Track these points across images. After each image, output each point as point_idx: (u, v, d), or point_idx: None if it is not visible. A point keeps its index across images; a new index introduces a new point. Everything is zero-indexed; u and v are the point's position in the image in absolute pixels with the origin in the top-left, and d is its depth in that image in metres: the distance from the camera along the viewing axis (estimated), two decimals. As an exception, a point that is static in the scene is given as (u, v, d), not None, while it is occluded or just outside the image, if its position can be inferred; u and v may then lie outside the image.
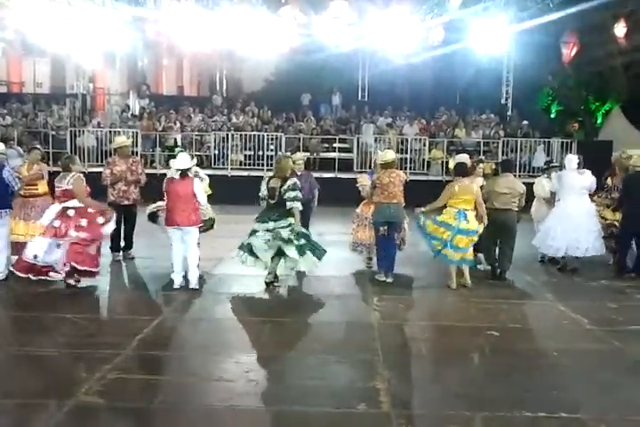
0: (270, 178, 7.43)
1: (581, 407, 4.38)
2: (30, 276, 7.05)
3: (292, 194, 7.19)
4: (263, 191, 7.40)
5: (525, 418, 4.22)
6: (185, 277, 7.26)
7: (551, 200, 8.73)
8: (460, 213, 7.37)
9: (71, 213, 6.98)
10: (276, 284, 7.50)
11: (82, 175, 7.31)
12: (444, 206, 7.55)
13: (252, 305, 6.85)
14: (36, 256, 6.94)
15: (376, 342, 5.60)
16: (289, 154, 8.91)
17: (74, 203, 7.06)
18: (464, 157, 8.14)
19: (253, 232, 7.39)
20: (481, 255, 8.81)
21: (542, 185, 9.08)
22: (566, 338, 5.97)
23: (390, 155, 8.05)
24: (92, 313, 6.55)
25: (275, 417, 4.24)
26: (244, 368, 4.92)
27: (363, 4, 16.98)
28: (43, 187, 8.01)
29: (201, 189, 7.29)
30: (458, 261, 7.54)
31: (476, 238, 7.55)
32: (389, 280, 7.78)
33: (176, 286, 7.22)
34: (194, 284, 7.20)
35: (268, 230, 7.24)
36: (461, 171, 7.68)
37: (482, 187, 8.44)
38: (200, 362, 5.12)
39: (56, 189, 7.20)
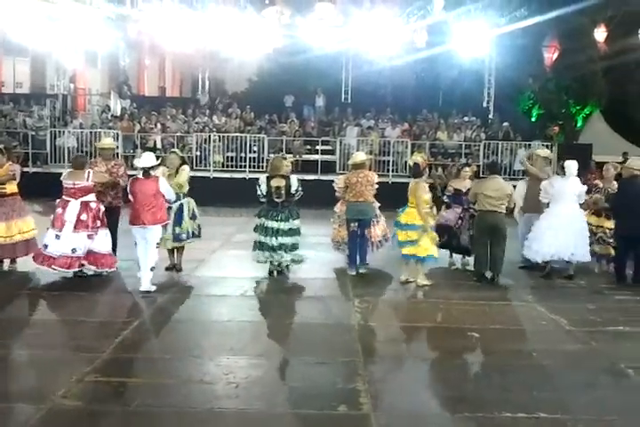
0: (269, 178, 7.77)
1: (560, 408, 4.40)
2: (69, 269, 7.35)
3: (299, 188, 7.83)
4: (263, 190, 7.78)
5: (505, 418, 4.24)
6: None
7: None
8: (401, 209, 7.84)
9: (93, 205, 7.43)
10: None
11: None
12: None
13: (233, 307, 6.82)
14: (75, 250, 7.25)
15: (357, 344, 5.59)
16: (285, 155, 9.10)
17: (90, 197, 7.43)
18: (417, 159, 8.23)
19: (266, 229, 7.74)
20: (457, 256, 8.88)
21: (524, 188, 9.05)
22: (545, 339, 6.00)
23: (360, 157, 8.49)
24: (70, 315, 6.47)
25: (255, 420, 4.21)
26: (225, 371, 4.89)
27: (347, 7, 17.05)
28: (11, 187, 7.93)
29: (167, 186, 7.30)
30: (409, 256, 7.67)
31: (412, 234, 7.58)
32: (362, 271, 8.12)
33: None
34: (145, 286, 7.07)
35: (285, 231, 7.71)
36: (413, 171, 8.04)
37: (470, 190, 8.52)
38: (180, 364, 5.08)
39: (66, 186, 7.40)
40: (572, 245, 8.06)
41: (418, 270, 7.73)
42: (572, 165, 8.26)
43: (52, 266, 7.28)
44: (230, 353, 5.28)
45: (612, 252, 8.53)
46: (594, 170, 11.98)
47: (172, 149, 9.70)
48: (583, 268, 8.47)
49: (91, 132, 17.27)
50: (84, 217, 7.31)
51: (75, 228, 7.27)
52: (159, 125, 18.08)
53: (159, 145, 17.36)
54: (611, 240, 8.52)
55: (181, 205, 7.88)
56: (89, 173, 7.50)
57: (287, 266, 7.99)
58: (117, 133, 16.94)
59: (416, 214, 7.59)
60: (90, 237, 7.34)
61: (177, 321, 6.31)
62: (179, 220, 7.85)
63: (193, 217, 8.04)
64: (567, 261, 8.24)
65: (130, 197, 7.28)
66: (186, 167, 8.08)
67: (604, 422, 4.28)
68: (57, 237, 7.29)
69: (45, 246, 7.35)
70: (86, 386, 4.58)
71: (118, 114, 19.70)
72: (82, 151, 16.85)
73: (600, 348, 5.74)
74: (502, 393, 4.66)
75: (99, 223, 7.45)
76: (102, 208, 7.60)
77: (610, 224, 8.59)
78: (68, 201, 7.39)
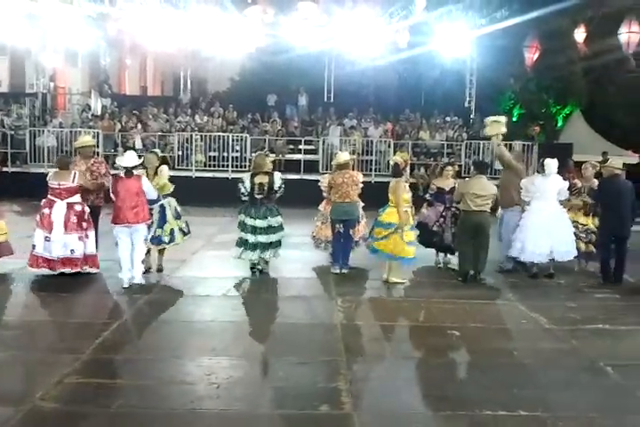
0: (253, 175, 7.81)
1: (540, 406, 4.44)
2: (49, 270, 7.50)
3: (282, 185, 7.86)
4: (247, 187, 7.80)
5: (486, 416, 4.27)
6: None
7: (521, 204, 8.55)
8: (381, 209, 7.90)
9: (78, 207, 7.57)
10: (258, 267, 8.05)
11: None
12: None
13: (215, 307, 6.78)
14: (73, 251, 7.47)
15: (339, 343, 5.59)
16: (268, 153, 9.06)
17: (76, 199, 7.58)
18: (397, 159, 8.27)
19: (245, 226, 7.82)
20: (441, 255, 8.91)
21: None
22: (526, 337, 6.05)
23: (344, 157, 8.45)
24: (50, 316, 6.42)
25: (236, 420, 4.19)
26: (206, 371, 4.86)
27: (330, 6, 17.06)
28: None
29: (150, 185, 7.34)
30: (382, 253, 7.72)
31: (384, 232, 7.66)
32: (344, 271, 8.13)
33: (125, 284, 7.19)
34: (138, 279, 7.26)
35: (263, 228, 7.76)
36: (393, 171, 8.11)
37: (453, 188, 8.57)
38: (161, 365, 5.05)
39: (52, 186, 7.53)
40: (558, 244, 8.12)
41: (392, 267, 7.76)
42: (551, 164, 8.31)
43: (56, 269, 7.46)
44: (212, 354, 5.26)
45: (583, 247, 8.61)
46: (572, 169, 12.05)
47: (152, 149, 9.62)
48: (562, 266, 8.52)
49: (71, 132, 17.09)
50: (73, 219, 7.49)
51: (65, 230, 7.43)
52: (139, 125, 17.94)
53: (138, 145, 17.12)
54: (582, 235, 8.61)
55: (162, 205, 7.80)
56: (75, 173, 7.63)
57: (262, 265, 8.03)
58: (98, 133, 16.79)
59: (395, 213, 7.62)
60: (80, 238, 7.52)
61: (158, 322, 6.28)
62: (162, 221, 7.77)
63: (177, 217, 7.98)
64: (551, 260, 8.28)
65: (112, 195, 7.30)
66: (164, 168, 8.00)
67: (584, 420, 4.32)
68: (46, 238, 7.43)
69: (33, 247, 7.50)
70: (66, 388, 4.53)
71: (99, 113, 19.52)
72: (62, 151, 16.70)
73: (580, 346, 5.79)
74: (483, 391, 4.69)
75: (85, 225, 7.62)
76: (87, 210, 7.72)
77: (584, 220, 8.71)
78: (54, 201, 7.52)
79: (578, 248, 8.60)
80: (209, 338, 5.72)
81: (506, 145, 17.16)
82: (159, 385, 4.64)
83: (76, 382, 4.63)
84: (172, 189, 7.92)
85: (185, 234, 8.05)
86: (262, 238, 7.77)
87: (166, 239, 7.82)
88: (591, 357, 5.49)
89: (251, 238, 7.77)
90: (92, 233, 7.70)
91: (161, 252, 8.04)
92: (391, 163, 8.67)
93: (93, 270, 7.69)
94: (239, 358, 5.26)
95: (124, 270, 7.23)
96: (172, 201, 7.99)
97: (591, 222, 8.71)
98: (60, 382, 4.60)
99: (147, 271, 7.81)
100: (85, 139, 8.96)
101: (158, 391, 4.53)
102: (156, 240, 7.77)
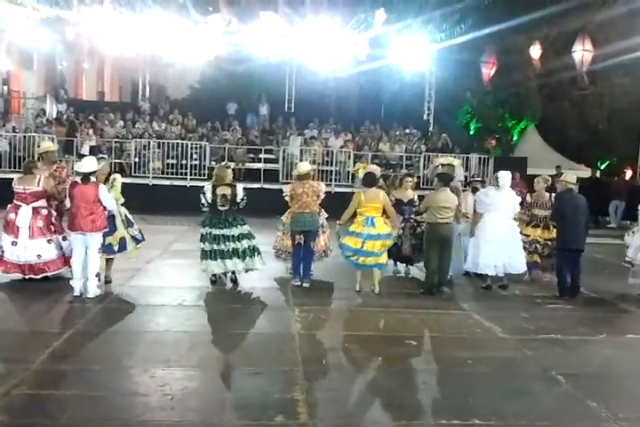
0: (215, 186, 7.70)
1: (494, 414, 4.49)
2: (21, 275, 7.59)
3: (245, 197, 7.73)
4: (208, 199, 7.67)
5: (441, 426, 4.29)
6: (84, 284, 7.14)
7: (475, 216, 8.59)
8: (368, 220, 7.68)
9: (44, 211, 7.66)
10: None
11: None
12: (355, 215, 7.82)
13: (170, 317, 6.67)
14: (40, 256, 7.53)
15: (296, 353, 5.57)
16: (228, 164, 8.93)
17: (41, 203, 7.64)
18: (374, 169, 8.26)
19: (209, 237, 7.63)
20: (401, 265, 8.98)
21: (467, 200, 9.09)
22: (480, 346, 6.12)
23: (305, 167, 8.36)
24: (-2, 325, 6.22)
25: (190, 431, 4.13)
26: (160, 382, 4.77)
27: (291, 17, 17.15)
28: None
29: (107, 193, 7.15)
30: (370, 265, 7.74)
31: (389, 243, 7.75)
32: (306, 285, 8.02)
33: (75, 293, 7.05)
34: (91, 292, 7.07)
35: (233, 236, 7.61)
36: (368, 181, 7.93)
37: (412, 200, 8.64)
38: (113, 376, 4.94)
39: (17, 191, 7.61)
40: (511, 257, 8.24)
41: (376, 276, 7.82)
42: (505, 176, 8.38)
43: (25, 274, 7.53)
44: (166, 364, 5.16)
45: (538, 259, 8.83)
46: (518, 183, 12.15)
47: (101, 155, 9.42)
48: (516, 276, 8.66)
49: (24, 137, 16.69)
50: (39, 224, 7.57)
51: (31, 235, 7.50)
52: (91, 131, 17.62)
53: (85, 151, 16.53)
54: (538, 246, 8.81)
55: (112, 213, 7.49)
56: (40, 177, 7.64)
57: (235, 275, 7.90)
58: (53, 138, 16.42)
59: (383, 224, 7.66)
60: (49, 242, 7.58)
61: (111, 331, 6.14)
62: (111, 230, 7.48)
63: (129, 224, 7.78)
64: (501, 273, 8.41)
65: (67, 201, 7.18)
66: (117, 177, 7.75)
67: (536, 428, 4.40)
68: (13, 243, 7.53)
69: (3, 252, 7.60)
70: (13, 399, 4.39)
71: (54, 118, 19.12)
72: (15, 156, 16.31)
73: (533, 355, 5.88)
74: (439, 400, 4.74)
75: (53, 228, 7.70)
76: (54, 213, 7.76)
77: (530, 232, 8.91)
78: (20, 206, 7.56)
79: (534, 261, 8.78)
80: (163, 348, 5.62)
81: (465, 158, 17.57)
82: (111, 396, 4.53)
83: (25, 394, 4.49)
84: (122, 201, 7.71)
85: (138, 242, 7.85)
86: (237, 245, 7.61)
87: (115, 248, 7.58)
88: (543, 366, 5.59)
89: (226, 247, 7.59)
90: (62, 236, 7.72)
91: (109, 262, 7.77)
92: (360, 174, 8.61)
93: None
94: (194, 368, 5.18)
95: (75, 278, 7.08)
96: (122, 209, 7.75)
97: (539, 235, 8.89)
98: (8, 393, 4.45)
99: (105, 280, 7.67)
100: (47, 144, 8.96)
101: (110, 403, 4.42)
102: (108, 250, 7.54)
